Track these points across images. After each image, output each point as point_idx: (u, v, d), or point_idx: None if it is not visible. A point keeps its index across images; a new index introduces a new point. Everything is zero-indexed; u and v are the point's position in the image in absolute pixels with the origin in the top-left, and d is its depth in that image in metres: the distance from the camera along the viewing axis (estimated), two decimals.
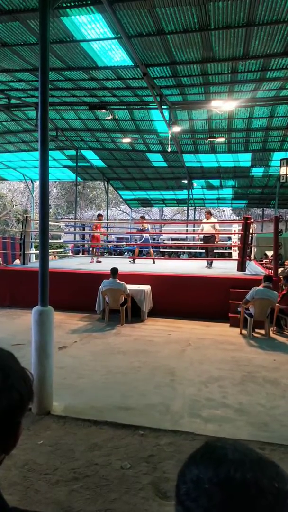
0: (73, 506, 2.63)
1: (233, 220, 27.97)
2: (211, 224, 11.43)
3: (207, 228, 11.49)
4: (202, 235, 12.12)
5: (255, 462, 0.56)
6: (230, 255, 16.13)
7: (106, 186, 21.27)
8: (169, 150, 13.31)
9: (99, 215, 13.65)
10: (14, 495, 2.70)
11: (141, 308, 8.06)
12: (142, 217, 14.72)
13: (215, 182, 20.11)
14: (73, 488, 2.81)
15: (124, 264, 10.94)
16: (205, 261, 11.47)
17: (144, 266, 10.99)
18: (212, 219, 11.73)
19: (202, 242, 12.66)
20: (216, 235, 11.30)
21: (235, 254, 13.91)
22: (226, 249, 18.41)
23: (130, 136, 14.37)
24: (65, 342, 6.42)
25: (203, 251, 12.43)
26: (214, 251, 12.61)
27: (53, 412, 4.01)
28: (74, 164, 17.25)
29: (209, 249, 11.70)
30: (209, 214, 11.77)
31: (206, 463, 0.56)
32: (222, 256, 17.67)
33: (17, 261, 14.46)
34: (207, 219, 11.52)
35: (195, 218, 25.89)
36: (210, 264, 11.11)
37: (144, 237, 12.65)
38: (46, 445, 3.38)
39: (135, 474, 2.99)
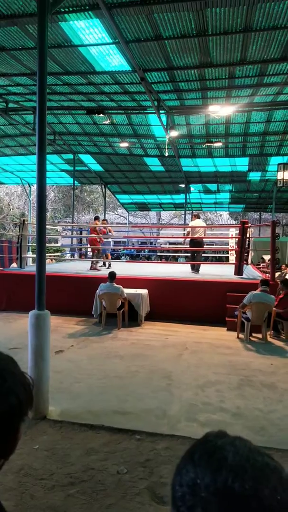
0: (69, 511, 2.62)
1: (230, 225, 28.03)
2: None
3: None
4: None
5: (257, 469, 0.50)
6: (227, 259, 16.16)
7: (104, 190, 21.28)
8: (166, 154, 13.34)
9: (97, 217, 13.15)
10: (9, 500, 2.68)
11: (138, 312, 8.05)
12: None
13: (213, 187, 20.18)
14: (69, 493, 2.79)
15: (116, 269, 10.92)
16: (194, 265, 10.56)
17: (141, 270, 10.97)
18: (195, 222, 10.69)
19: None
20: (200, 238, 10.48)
21: (232, 258, 13.92)
22: (223, 253, 18.46)
23: (127, 141, 14.41)
24: (62, 346, 6.40)
25: (204, 255, 12.13)
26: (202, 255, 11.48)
27: (49, 416, 3.99)
28: (72, 168, 17.27)
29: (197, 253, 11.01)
30: (195, 216, 11.03)
31: (204, 465, 0.52)
32: (219, 260, 17.71)
33: (14, 265, 14.41)
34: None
35: None
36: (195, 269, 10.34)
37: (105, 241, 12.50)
38: (42, 449, 3.36)
39: (131, 479, 2.97)
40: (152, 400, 4.41)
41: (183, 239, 11.94)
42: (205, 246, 11.78)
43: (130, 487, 2.87)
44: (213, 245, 22.80)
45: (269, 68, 8.44)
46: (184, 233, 11.30)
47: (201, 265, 10.75)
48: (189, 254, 11.18)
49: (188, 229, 10.68)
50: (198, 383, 4.95)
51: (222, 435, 0.57)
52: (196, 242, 10.47)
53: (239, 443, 0.55)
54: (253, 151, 14.63)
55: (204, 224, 12.10)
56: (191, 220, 10.94)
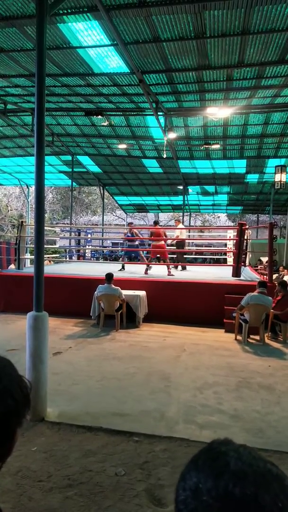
0: None
1: (228, 226, 28.06)
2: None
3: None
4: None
5: (258, 475, 0.51)
6: (225, 261, 16.18)
7: (102, 192, 21.28)
8: (164, 156, 13.37)
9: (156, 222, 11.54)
10: (7, 502, 2.68)
11: (136, 314, 8.04)
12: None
13: (210, 188, 20.20)
14: (67, 495, 2.78)
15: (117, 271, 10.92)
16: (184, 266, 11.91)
17: (139, 271, 10.95)
18: (180, 226, 12.33)
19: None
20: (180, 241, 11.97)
21: (230, 260, 13.95)
22: (221, 255, 18.49)
23: (126, 142, 14.43)
24: (60, 347, 6.39)
25: (201, 257, 12.71)
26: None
27: (47, 418, 3.98)
28: (70, 170, 17.26)
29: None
30: (179, 221, 12.68)
31: (206, 471, 0.53)
32: (217, 262, 17.75)
33: (12, 266, 14.41)
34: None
35: (190, 224, 25.94)
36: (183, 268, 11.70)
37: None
38: (40, 451, 3.35)
39: (129, 481, 2.97)
40: (150, 402, 4.41)
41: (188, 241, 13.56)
42: (203, 248, 12.44)
43: (128, 489, 2.87)
44: (211, 247, 22.84)
45: (267, 70, 8.47)
46: (174, 235, 12.31)
47: (198, 267, 11.51)
48: (194, 256, 12.18)
49: (178, 233, 12.04)
50: (196, 385, 4.95)
51: (226, 442, 0.58)
52: (181, 244, 12.01)
53: (243, 450, 0.55)
54: (250, 153, 14.68)
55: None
56: (176, 225, 12.34)
